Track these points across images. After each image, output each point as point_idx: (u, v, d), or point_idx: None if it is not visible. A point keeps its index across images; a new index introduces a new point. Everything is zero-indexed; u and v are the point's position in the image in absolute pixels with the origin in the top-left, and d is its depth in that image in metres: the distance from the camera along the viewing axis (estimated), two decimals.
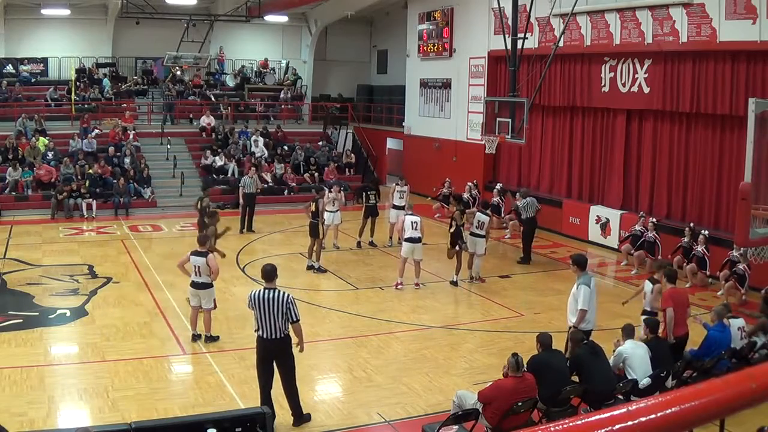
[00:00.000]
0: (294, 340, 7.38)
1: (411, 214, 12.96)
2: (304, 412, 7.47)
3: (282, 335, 7.19)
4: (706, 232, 13.51)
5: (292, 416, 7.38)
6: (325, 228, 14.17)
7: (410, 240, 12.69)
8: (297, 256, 14.66)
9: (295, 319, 7.19)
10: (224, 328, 10.15)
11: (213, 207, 14.36)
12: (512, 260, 15.29)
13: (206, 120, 23.63)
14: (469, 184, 18.93)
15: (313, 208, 13.73)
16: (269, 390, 7.35)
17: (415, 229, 12.68)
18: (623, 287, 13.52)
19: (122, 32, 25.53)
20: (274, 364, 7.34)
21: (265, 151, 22.96)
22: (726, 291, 12.34)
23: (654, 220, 14.69)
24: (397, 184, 16.64)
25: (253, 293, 7.28)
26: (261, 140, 23.19)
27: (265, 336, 7.17)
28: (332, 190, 15.49)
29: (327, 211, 14.58)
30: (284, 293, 7.23)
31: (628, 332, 7.83)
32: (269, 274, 7.43)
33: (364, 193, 16.34)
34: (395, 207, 16.05)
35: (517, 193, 16.15)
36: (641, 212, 15.31)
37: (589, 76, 17.18)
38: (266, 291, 7.21)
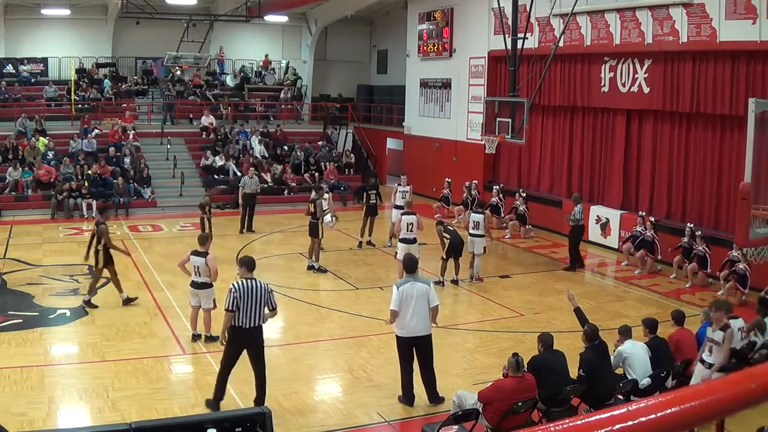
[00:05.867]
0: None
1: (407, 214, 12.93)
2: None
3: (258, 324, 7.43)
4: (699, 232, 13.51)
5: (255, 398, 7.53)
6: (323, 228, 14.17)
7: (404, 241, 12.68)
8: (297, 256, 14.66)
9: (272, 307, 7.47)
10: None
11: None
12: (512, 260, 15.28)
13: (208, 120, 23.63)
14: (468, 183, 18.93)
15: (312, 209, 13.73)
16: (228, 374, 7.57)
17: (410, 230, 12.67)
18: (624, 287, 13.53)
19: (122, 32, 25.54)
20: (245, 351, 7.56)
21: (264, 150, 22.95)
22: (726, 291, 12.33)
23: (653, 219, 14.69)
24: (399, 185, 16.60)
25: (236, 284, 7.41)
26: (257, 140, 23.18)
27: (243, 326, 7.34)
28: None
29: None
30: (263, 282, 7.52)
31: (626, 332, 7.83)
32: (251, 264, 7.69)
33: (364, 193, 16.31)
34: (397, 207, 15.94)
35: (572, 198, 15.31)
36: (641, 212, 15.31)
37: (589, 76, 17.16)
38: (248, 281, 7.42)
